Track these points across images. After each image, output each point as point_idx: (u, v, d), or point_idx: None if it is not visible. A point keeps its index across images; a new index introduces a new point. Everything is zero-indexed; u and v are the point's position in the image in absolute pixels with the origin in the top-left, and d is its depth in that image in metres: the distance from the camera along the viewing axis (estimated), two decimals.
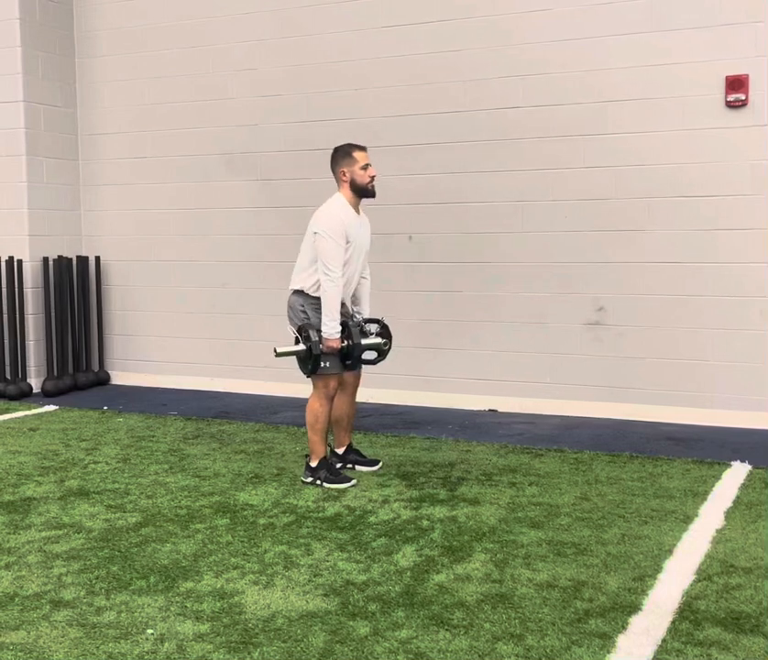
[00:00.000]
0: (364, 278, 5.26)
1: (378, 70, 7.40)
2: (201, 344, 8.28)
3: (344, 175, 5.03)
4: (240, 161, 7.98)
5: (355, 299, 5.25)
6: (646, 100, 6.59)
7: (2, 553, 4.04)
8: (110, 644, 3.13)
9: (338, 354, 4.95)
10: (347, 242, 4.95)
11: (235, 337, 8.11)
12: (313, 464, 5.08)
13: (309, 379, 5.09)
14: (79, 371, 8.40)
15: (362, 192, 5.07)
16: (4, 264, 7.99)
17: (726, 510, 4.52)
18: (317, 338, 4.85)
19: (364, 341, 5.03)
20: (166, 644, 3.13)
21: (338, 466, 5.29)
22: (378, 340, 5.16)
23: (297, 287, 5.08)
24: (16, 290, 7.96)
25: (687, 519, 4.40)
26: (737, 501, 4.66)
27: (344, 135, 7.48)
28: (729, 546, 4.01)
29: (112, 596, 3.55)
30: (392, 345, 5.25)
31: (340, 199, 5.05)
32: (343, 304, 5.07)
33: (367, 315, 5.27)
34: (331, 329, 4.88)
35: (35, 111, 8.14)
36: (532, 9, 6.87)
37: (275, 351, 4.94)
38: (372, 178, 5.06)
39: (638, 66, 6.59)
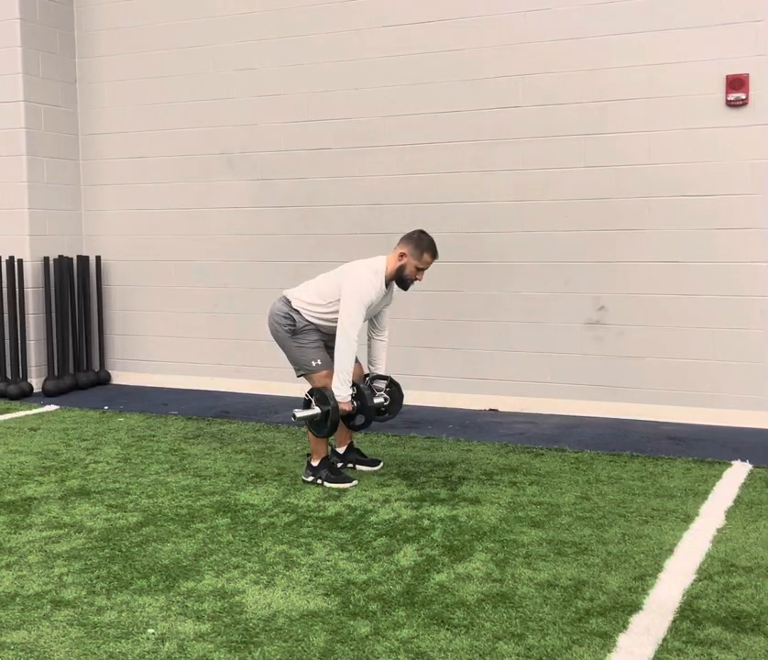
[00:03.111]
0: (381, 337, 5.25)
1: (378, 70, 7.40)
2: (201, 343, 8.28)
3: (402, 257, 5.00)
4: (240, 161, 7.98)
5: (372, 357, 5.25)
6: (646, 100, 6.59)
7: (3, 552, 4.04)
8: (111, 644, 3.13)
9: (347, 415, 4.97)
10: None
11: (236, 337, 8.11)
12: (314, 463, 5.08)
13: (299, 378, 5.14)
14: (79, 371, 8.40)
15: (400, 281, 5.07)
16: (4, 264, 7.99)
17: (727, 509, 4.53)
18: (334, 403, 4.83)
19: (376, 400, 5.05)
20: (167, 644, 3.13)
21: (339, 465, 5.30)
22: (384, 400, 5.13)
23: (291, 299, 5.07)
24: (17, 289, 7.96)
25: (688, 518, 4.41)
26: (738, 501, 4.66)
27: (344, 135, 7.53)
28: (730, 546, 4.01)
29: (113, 595, 3.55)
30: (402, 402, 5.21)
31: (380, 266, 5.00)
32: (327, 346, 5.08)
33: (382, 372, 5.24)
34: (343, 392, 4.87)
35: (35, 111, 8.14)
36: (531, 9, 6.87)
37: (294, 416, 4.89)
38: (416, 281, 5.08)
39: (638, 66, 6.59)
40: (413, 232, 5.11)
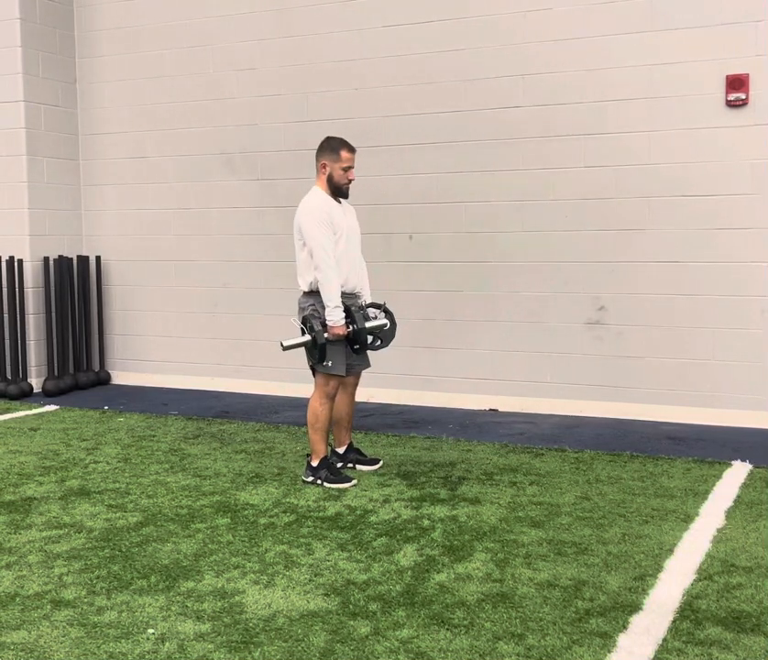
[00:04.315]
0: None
1: (378, 70, 7.40)
2: (201, 343, 8.28)
3: (324, 168, 5.06)
4: (240, 161, 7.98)
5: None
6: (646, 99, 6.59)
7: (3, 552, 4.04)
8: (111, 644, 3.13)
9: (344, 340, 4.95)
10: (335, 232, 4.96)
11: (236, 337, 8.11)
12: (314, 463, 5.08)
13: (313, 377, 5.12)
14: (79, 371, 8.40)
15: (336, 190, 5.09)
16: (4, 264, 7.99)
17: (727, 509, 4.52)
18: (320, 327, 4.86)
19: (368, 324, 5.04)
20: (167, 644, 3.13)
21: (339, 465, 5.30)
22: (383, 321, 5.13)
23: (305, 288, 5.08)
24: (17, 289, 7.96)
25: (688, 518, 4.41)
26: (738, 501, 4.66)
27: (343, 134, 7.48)
28: (730, 546, 4.01)
29: (113, 595, 3.55)
30: (396, 329, 5.23)
31: (317, 191, 5.08)
32: (357, 295, 5.09)
33: (368, 300, 5.25)
34: (335, 316, 4.89)
35: (35, 111, 8.14)
36: (532, 9, 6.87)
37: (282, 345, 4.93)
38: (350, 181, 5.08)
39: (638, 66, 6.59)
40: (322, 141, 5.13)
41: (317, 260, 4.90)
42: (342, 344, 5.00)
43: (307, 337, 4.91)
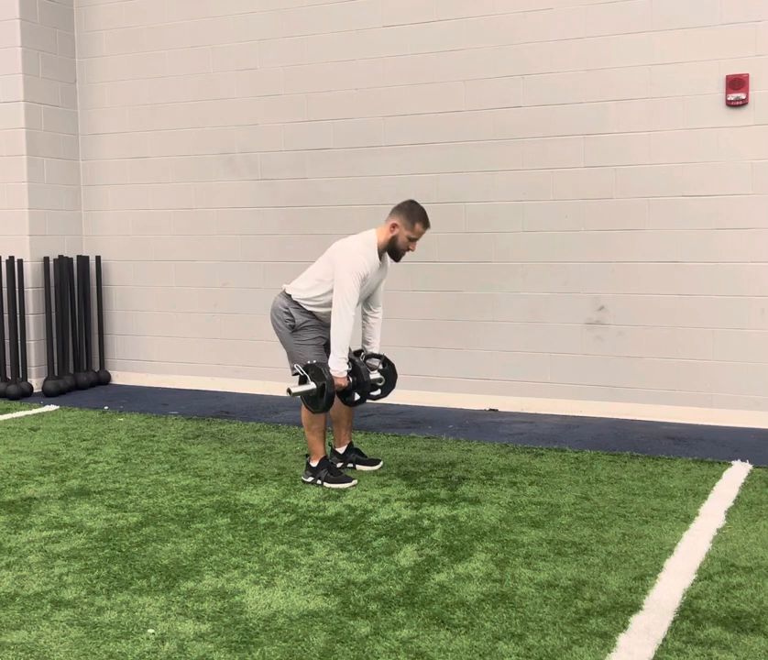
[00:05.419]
0: (375, 315, 5.24)
1: (378, 70, 7.40)
2: (201, 343, 8.28)
3: (393, 227, 5.00)
4: (240, 161, 7.98)
5: (366, 336, 5.23)
6: (646, 99, 6.59)
7: (3, 552, 4.04)
8: (111, 644, 3.13)
9: (343, 391, 4.94)
10: (361, 285, 4.92)
11: (236, 337, 8.11)
12: (314, 464, 5.08)
13: (294, 375, 5.13)
14: (79, 371, 8.40)
15: (392, 252, 5.06)
16: (4, 264, 7.99)
17: (727, 509, 4.53)
18: (329, 376, 4.81)
19: (372, 376, 5.03)
20: (167, 644, 3.13)
21: (339, 465, 5.30)
22: (379, 377, 5.12)
23: (290, 292, 5.07)
24: (17, 289, 7.96)
25: (688, 518, 4.41)
26: (738, 501, 4.66)
27: (344, 135, 7.53)
28: (730, 546, 4.01)
29: (113, 595, 3.55)
30: (396, 379, 5.20)
31: (371, 238, 4.99)
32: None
33: (376, 351, 5.23)
34: (340, 367, 4.85)
35: (35, 111, 8.14)
36: (532, 9, 6.87)
37: (289, 392, 4.86)
38: (409, 251, 5.06)
39: (638, 66, 6.59)
40: (404, 202, 5.10)
41: (338, 305, 4.84)
42: (319, 342, 5.00)
43: (313, 386, 4.85)
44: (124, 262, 8.56)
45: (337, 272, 4.86)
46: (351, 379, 4.93)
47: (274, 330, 5.17)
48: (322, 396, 4.83)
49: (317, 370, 4.84)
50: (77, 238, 8.60)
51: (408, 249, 5.05)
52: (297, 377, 4.95)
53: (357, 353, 5.18)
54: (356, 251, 4.90)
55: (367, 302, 5.19)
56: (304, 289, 5.04)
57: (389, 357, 5.19)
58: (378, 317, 5.25)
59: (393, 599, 3.47)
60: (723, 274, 6.48)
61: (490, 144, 7.07)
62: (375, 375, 5.10)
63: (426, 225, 5.05)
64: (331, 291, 4.92)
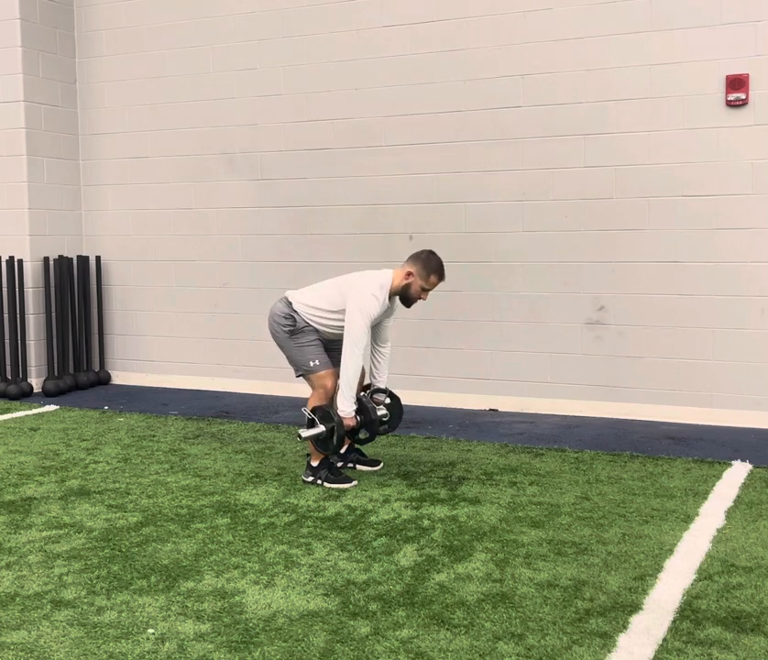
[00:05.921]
0: (383, 350, 5.23)
1: (378, 70, 7.40)
2: (201, 343, 8.28)
3: (409, 275, 4.99)
4: (240, 161, 7.98)
5: (374, 370, 5.23)
6: (646, 100, 6.59)
7: (3, 552, 4.04)
8: (111, 644, 3.13)
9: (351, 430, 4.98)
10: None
11: (236, 337, 8.11)
12: (314, 463, 5.08)
13: (298, 378, 5.15)
14: (79, 371, 8.40)
15: (404, 298, 5.08)
16: (4, 264, 7.99)
17: (727, 509, 4.53)
18: (338, 418, 4.82)
19: (379, 412, 5.05)
20: (167, 644, 3.13)
21: (339, 465, 5.30)
22: (385, 412, 5.13)
23: (291, 301, 5.07)
24: (17, 289, 7.96)
25: (688, 518, 4.41)
26: (738, 501, 4.66)
27: (344, 135, 7.53)
28: (730, 546, 4.01)
29: (113, 595, 3.55)
30: (402, 416, 5.23)
31: (386, 280, 4.99)
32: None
33: (382, 386, 5.23)
34: (347, 408, 4.87)
35: (35, 111, 8.14)
36: (532, 9, 6.87)
37: (299, 436, 4.89)
38: (420, 300, 5.08)
39: (638, 66, 6.59)
40: (422, 251, 5.09)
41: (348, 345, 4.85)
42: (318, 343, 5.01)
43: (323, 428, 4.87)
44: (124, 262, 8.56)
45: (349, 310, 4.87)
46: (358, 419, 4.96)
47: (272, 337, 5.16)
48: (332, 438, 4.86)
49: (325, 413, 4.87)
50: (77, 238, 8.60)
51: (420, 298, 5.07)
52: (306, 419, 4.98)
53: (367, 387, 5.20)
54: (370, 295, 4.91)
55: (374, 335, 5.19)
56: (308, 303, 5.03)
57: (393, 391, 5.21)
58: (386, 353, 5.25)
59: (393, 599, 3.47)
60: (723, 274, 6.48)
61: (490, 144, 7.07)
62: (381, 411, 5.12)
63: (441, 277, 5.05)
64: (333, 313, 4.97)
